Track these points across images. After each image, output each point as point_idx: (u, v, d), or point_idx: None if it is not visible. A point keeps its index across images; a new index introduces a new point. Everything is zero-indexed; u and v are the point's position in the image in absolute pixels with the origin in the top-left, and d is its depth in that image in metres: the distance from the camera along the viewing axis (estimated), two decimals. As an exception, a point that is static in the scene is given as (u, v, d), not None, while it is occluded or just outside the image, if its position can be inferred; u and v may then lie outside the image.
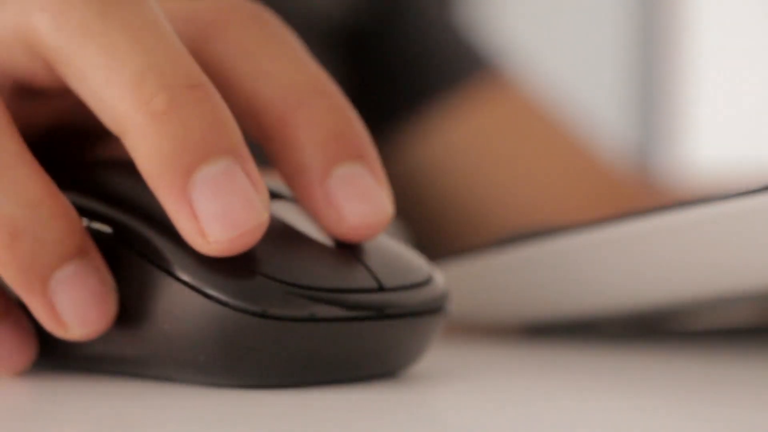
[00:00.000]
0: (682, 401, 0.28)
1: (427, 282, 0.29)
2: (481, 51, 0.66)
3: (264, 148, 0.29)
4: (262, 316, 0.26)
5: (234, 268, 0.27)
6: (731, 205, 0.31)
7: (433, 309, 0.28)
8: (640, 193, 0.67)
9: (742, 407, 0.27)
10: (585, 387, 0.30)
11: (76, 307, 0.27)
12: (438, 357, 0.31)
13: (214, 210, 0.26)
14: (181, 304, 0.27)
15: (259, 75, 0.29)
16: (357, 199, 0.28)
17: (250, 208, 0.26)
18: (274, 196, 0.28)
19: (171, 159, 0.26)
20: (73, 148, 0.32)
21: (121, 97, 0.26)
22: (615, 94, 1.88)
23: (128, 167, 0.28)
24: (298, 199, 0.29)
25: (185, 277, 0.27)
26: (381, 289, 0.28)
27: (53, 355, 0.30)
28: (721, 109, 1.93)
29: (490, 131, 0.65)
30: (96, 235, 0.28)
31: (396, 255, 0.29)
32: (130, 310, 0.28)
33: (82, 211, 0.29)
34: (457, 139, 0.64)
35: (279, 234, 0.28)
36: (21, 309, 0.29)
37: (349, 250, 0.28)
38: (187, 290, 0.27)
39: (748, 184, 0.31)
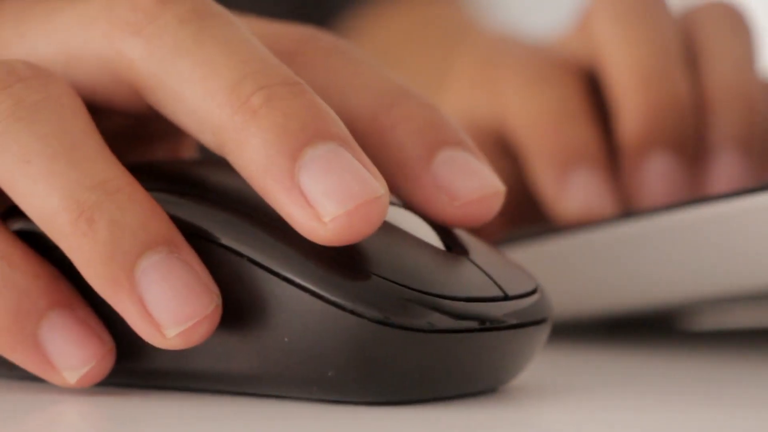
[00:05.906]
0: (682, 401, 0.28)
1: (537, 289, 0.28)
2: None
3: None
4: (397, 326, 0.25)
5: (355, 272, 0.25)
6: (731, 205, 0.31)
7: (548, 317, 0.27)
8: None
9: (741, 407, 0.27)
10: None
11: (167, 299, 0.25)
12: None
13: (324, 187, 0.25)
14: (304, 312, 0.25)
15: (346, 88, 0.29)
16: (466, 176, 0.28)
17: (363, 180, 0.25)
18: None
19: (276, 146, 0.25)
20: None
21: (219, 104, 0.26)
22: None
23: (224, 166, 0.26)
24: (405, 194, 0.28)
25: (305, 282, 0.25)
26: (506, 297, 0.27)
27: (141, 371, 0.27)
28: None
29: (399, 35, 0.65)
30: (199, 243, 0.26)
31: (503, 261, 0.28)
32: (240, 319, 0.26)
33: (177, 219, 0.26)
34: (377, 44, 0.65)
35: (398, 241, 0.26)
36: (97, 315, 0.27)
37: (464, 256, 0.27)
38: (313, 300, 0.25)
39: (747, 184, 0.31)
